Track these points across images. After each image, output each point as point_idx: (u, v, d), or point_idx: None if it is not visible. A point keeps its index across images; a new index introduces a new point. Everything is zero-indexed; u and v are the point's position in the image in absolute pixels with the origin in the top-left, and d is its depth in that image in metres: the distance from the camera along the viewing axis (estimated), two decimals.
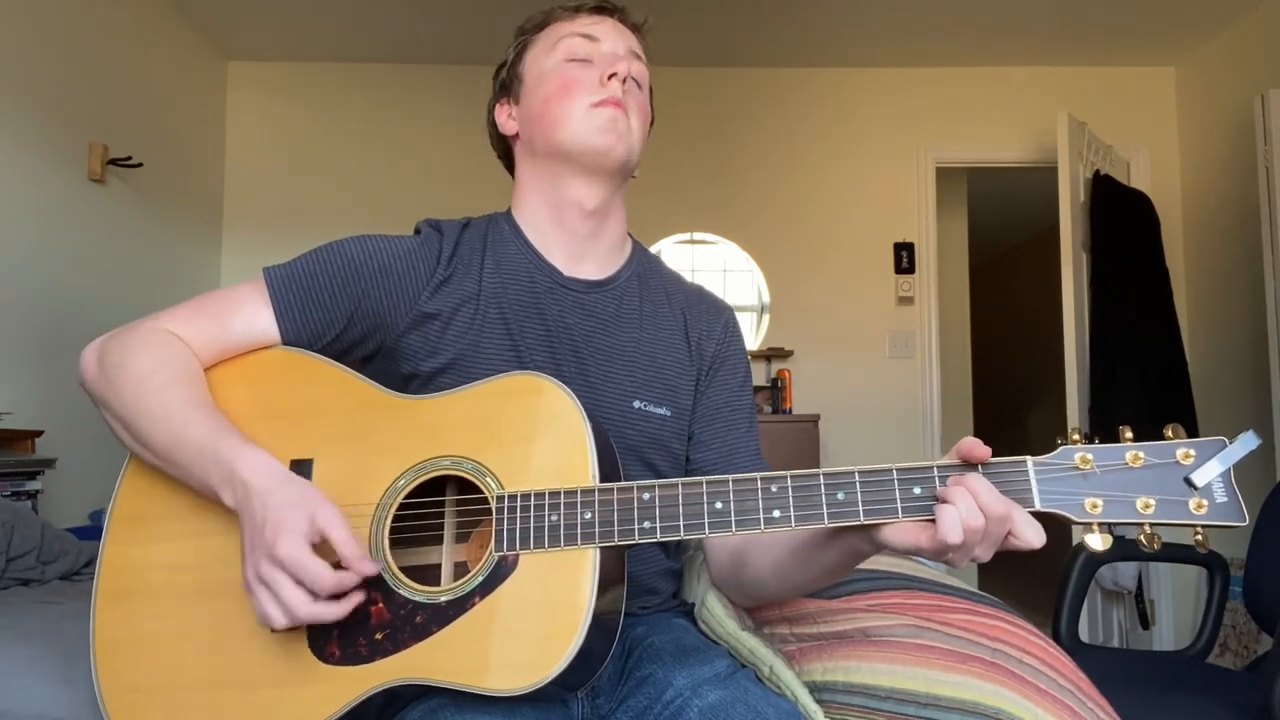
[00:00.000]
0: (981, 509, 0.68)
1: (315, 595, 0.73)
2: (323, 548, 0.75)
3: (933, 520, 0.70)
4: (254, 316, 0.92)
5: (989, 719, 0.81)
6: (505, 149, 1.09)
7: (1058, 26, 3.47)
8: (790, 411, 3.48)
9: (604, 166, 0.98)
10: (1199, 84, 3.68)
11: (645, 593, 1.00)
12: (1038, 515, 0.71)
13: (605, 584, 0.76)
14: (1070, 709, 0.83)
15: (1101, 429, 3.03)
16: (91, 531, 2.04)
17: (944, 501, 0.69)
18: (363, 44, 3.63)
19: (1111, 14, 3.36)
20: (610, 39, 1.01)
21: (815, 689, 0.90)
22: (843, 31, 3.53)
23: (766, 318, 3.77)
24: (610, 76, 0.97)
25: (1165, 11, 3.34)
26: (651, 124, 1.06)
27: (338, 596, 0.74)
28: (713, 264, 3.80)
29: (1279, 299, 2.85)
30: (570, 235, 1.01)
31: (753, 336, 3.78)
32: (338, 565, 0.74)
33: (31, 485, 2.19)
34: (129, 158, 2.92)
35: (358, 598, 0.76)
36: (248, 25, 3.49)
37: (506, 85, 1.06)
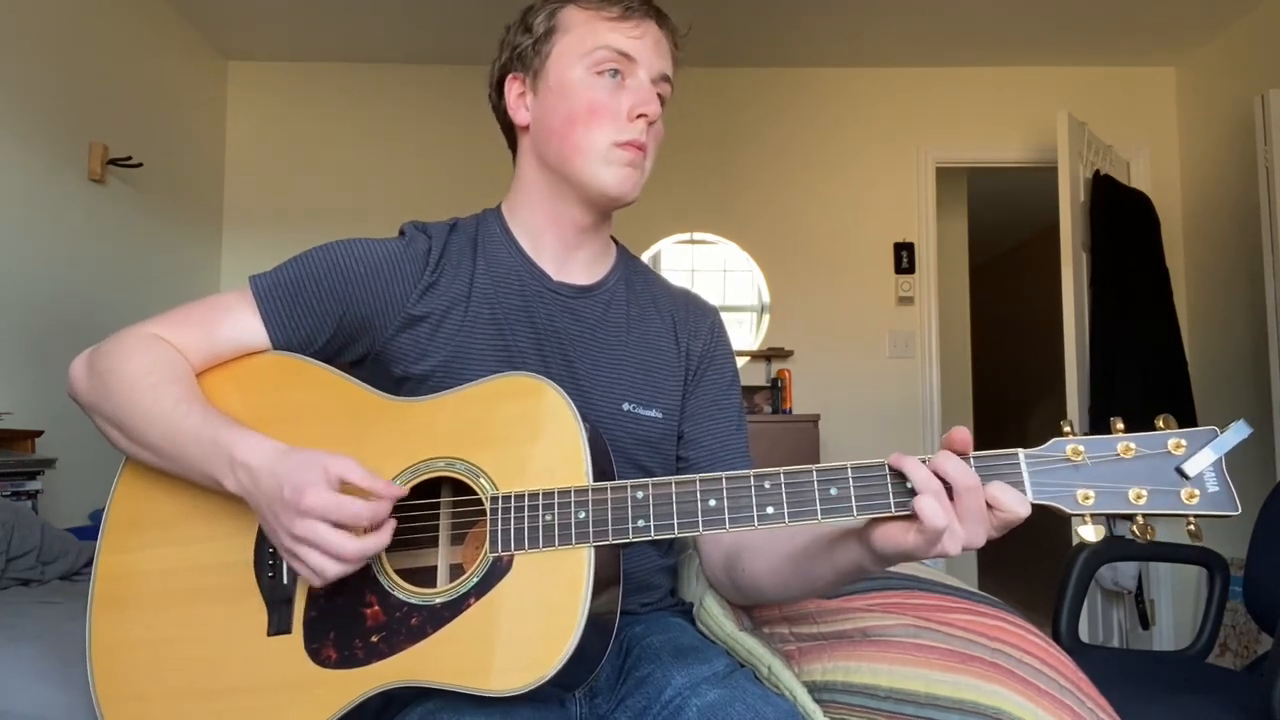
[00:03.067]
0: (951, 483, 0.68)
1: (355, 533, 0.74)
2: (344, 492, 0.76)
3: (912, 516, 0.70)
4: (242, 324, 0.91)
5: (989, 719, 0.81)
6: (509, 125, 1.04)
7: (1058, 26, 3.46)
8: (790, 411, 3.48)
9: (610, 207, 0.99)
10: (1199, 84, 3.68)
11: (641, 590, 1.00)
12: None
13: (600, 583, 0.76)
14: (1070, 709, 0.83)
15: (1102, 429, 3.02)
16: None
17: (917, 492, 0.69)
18: (363, 44, 3.63)
19: (1111, 14, 3.36)
20: (648, 59, 0.95)
21: (815, 689, 0.90)
22: (843, 31, 3.53)
23: (766, 318, 3.77)
24: (639, 115, 0.94)
25: (1165, 11, 3.34)
26: None
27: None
28: (713, 264, 3.80)
29: (1279, 299, 2.85)
30: (562, 243, 1.01)
31: (753, 336, 3.78)
32: None
33: (31, 485, 2.20)
34: (129, 158, 2.92)
35: (392, 524, 0.77)
36: (248, 25, 3.49)
37: (525, 60, 0.99)
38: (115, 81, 2.99)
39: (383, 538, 0.75)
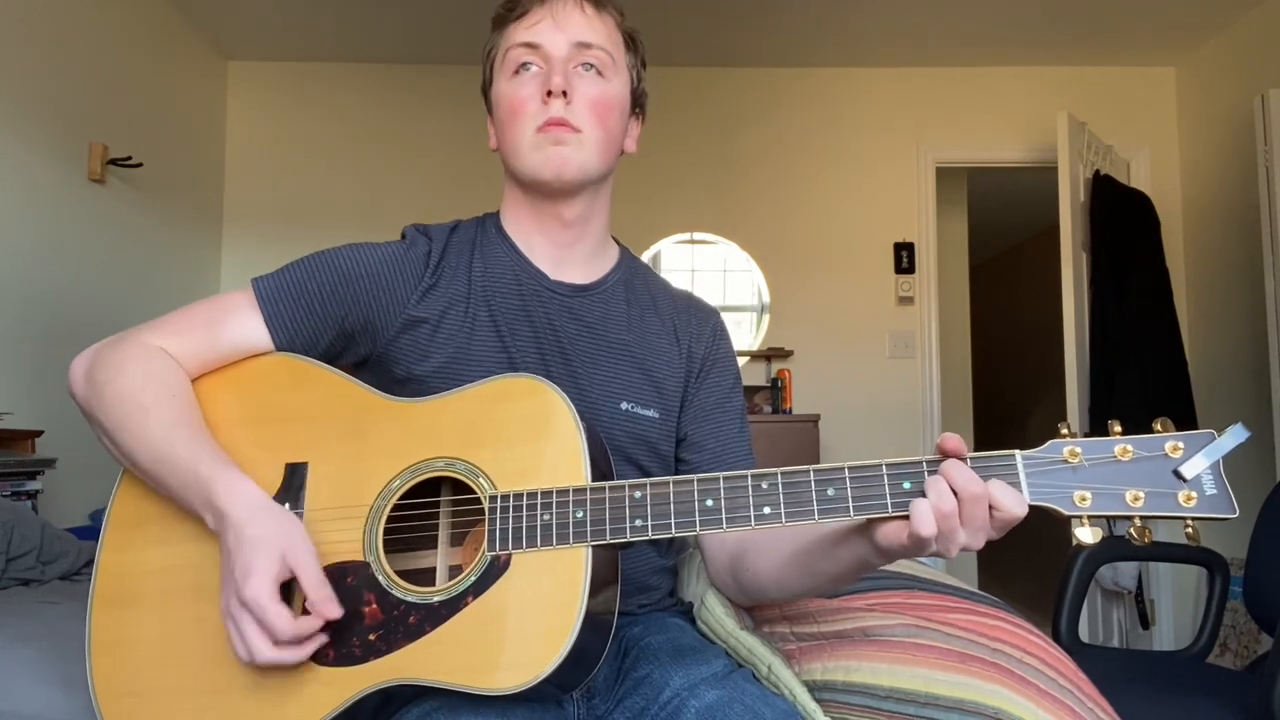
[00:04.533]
0: (957, 491, 0.68)
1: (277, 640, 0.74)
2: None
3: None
4: (245, 326, 0.91)
5: (989, 719, 0.81)
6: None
7: (1058, 26, 3.47)
8: (790, 411, 3.48)
9: (560, 191, 0.98)
10: (1199, 84, 3.68)
11: (640, 591, 1.00)
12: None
13: (598, 583, 0.76)
14: (1070, 709, 0.83)
15: (1102, 429, 3.02)
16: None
17: (922, 495, 0.70)
18: (363, 44, 3.63)
19: (1111, 14, 3.36)
20: (550, 38, 0.95)
21: (815, 688, 0.90)
22: (843, 31, 3.53)
23: (766, 318, 3.77)
24: (549, 94, 0.94)
25: (1165, 11, 3.34)
26: (639, 95, 1.04)
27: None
28: (713, 264, 3.80)
29: (1279, 299, 2.85)
30: (553, 242, 1.02)
31: (752, 336, 3.78)
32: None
33: (31, 485, 2.19)
34: (129, 158, 2.92)
35: (320, 640, 0.76)
36: (248, 25, 3.49)
37: (486, 97, 1.04)
38: (115, 81, 2.99)
39: (301, 653, 0.75)
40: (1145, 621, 3.44)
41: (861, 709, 0.87)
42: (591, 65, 0.96)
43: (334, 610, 0.75)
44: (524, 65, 0.96)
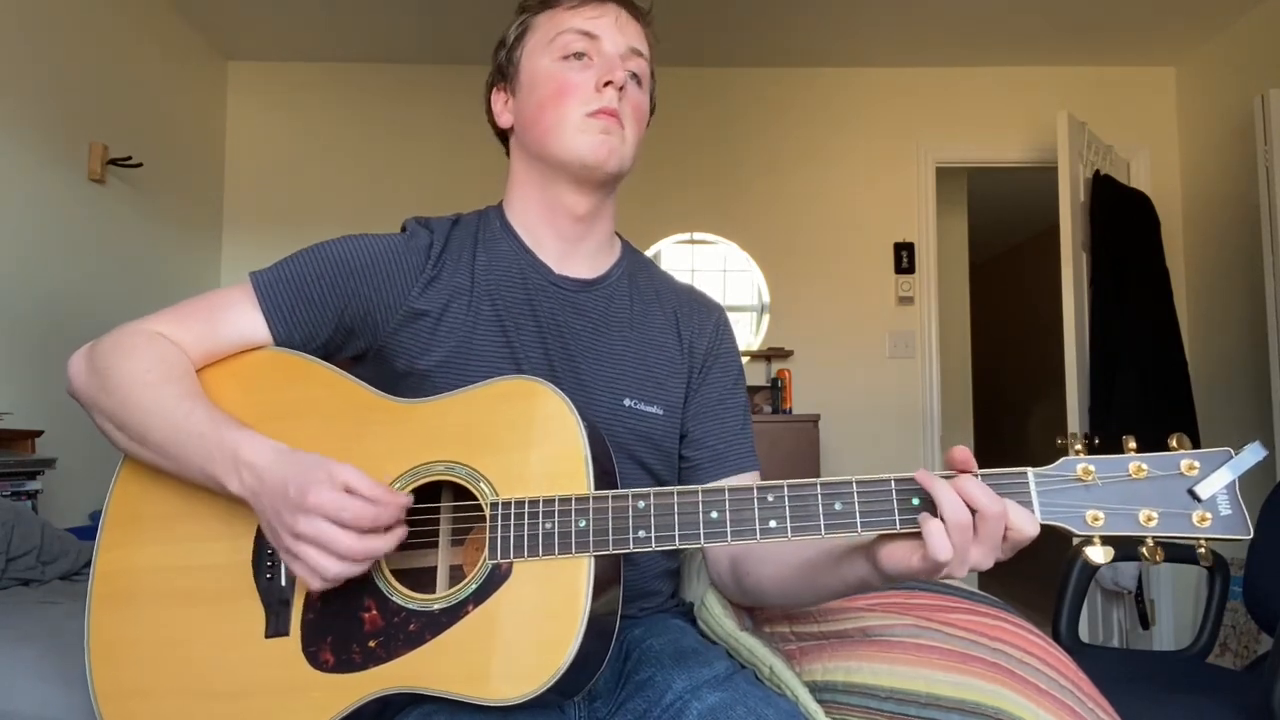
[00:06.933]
0: (978, 509, 0.67)
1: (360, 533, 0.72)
2: None
3: (918, 535, 0.68)
4: (244, 320, 0.91)
5: (989, 719, 0.81)
6: (502, 134, 1.07)
7: (1058, 26, 3.46)
8: (790, 411, 3.48)
9: (595, 179, 0.98)
10: (1199, 84, 3.68)
11: (643, 595, 1.00)
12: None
13: (600, 590, 0.75)
14: (1070, 709, 0.83)
15: (1101, 430, 3.02)
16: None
17: (935, 512, 0.68)
18: (362, 44, 3.63)
19: (1111, 14, 3.36)
20: (611, 36, 0.98)
21: (816, 688, 0.90)
22: (843, 31, 3.52)
23: (766, 318, 3.77)
24: (606, 84, 0.95)
25: (1165, 11, 3.34)
26: (652, 112, 1.06)
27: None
28: (713, 264, 3.80)
29: (1279, 299, 2.85)
30: (560, 236, 1.01)
31: (753, 336, 3.78)
32: None
33: (31, 485, 2.19)
34: (129, 158, 2.92)
35: (402, 531, 0.76)
36: (248, 25, 3.48)
37: (504, 70, 1.03)
38: (115, 81, 2.98)
39: (388, 540, 0.74)
40: (1145, 621, 3.44)
41: (862, 710, 0.87)
42: (635, 74, 0.99)
43: (402, 498, 0.75)
44: (578, 53, 0.97)
